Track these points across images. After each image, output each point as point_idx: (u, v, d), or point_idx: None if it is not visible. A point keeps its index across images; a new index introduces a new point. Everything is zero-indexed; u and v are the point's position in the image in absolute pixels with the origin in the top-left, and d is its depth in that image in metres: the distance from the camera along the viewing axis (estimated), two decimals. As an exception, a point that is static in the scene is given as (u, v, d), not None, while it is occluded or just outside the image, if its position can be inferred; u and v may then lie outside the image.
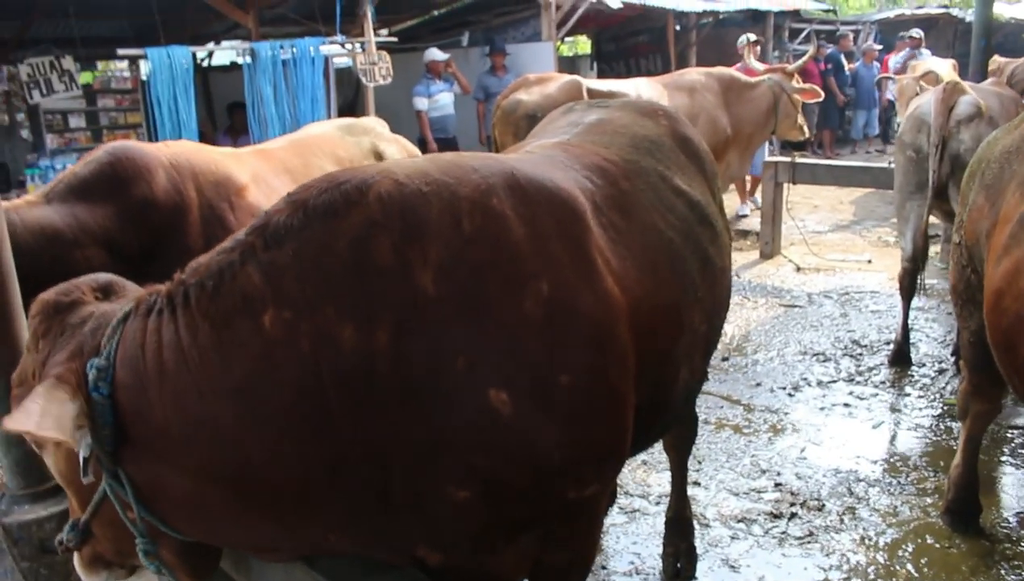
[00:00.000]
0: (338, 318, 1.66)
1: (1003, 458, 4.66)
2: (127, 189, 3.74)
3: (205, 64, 12.16)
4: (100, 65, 9.43)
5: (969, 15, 18.97)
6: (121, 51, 7.94)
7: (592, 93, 7.66)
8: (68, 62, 8.39)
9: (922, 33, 15.55)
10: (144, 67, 8.51)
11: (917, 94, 9.19)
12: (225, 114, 10.71)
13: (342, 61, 10.30)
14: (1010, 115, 5.35)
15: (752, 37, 10.94)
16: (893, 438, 5.01)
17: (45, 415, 1.55)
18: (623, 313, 1.98)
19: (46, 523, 2.29)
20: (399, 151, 4.93)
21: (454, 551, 1.90)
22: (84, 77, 8.76)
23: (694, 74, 8.38)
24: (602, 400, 1.90)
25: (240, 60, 9.06)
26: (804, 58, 8.82)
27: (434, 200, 1.79)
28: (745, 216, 10.71)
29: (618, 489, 4.28)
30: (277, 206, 1.79)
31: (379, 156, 4.75)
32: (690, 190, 2.65)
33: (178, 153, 4.05)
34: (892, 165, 8.37)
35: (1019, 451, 4.72)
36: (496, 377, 1.73)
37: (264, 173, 4.26)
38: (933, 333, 6.62)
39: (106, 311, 1.77)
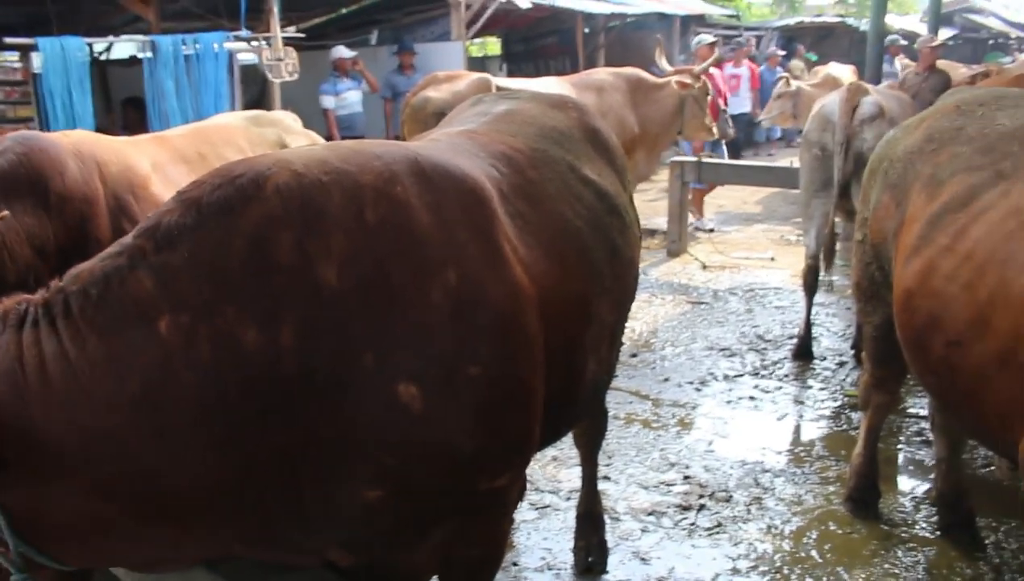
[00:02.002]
0: (239, 319, 1.59)
1: (899, 446, 4.83)
2: (43, 182, 3.57)
3: (103, 57, 11.69)
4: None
5: (864, 24, 19.77)
6: (9, 40, 7.55)
7: (501, 91, 7.64)
8: (-49, 52, 7.96)
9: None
10: (36, 59, 8.13)
11: (780, 96, 10.10)
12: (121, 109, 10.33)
13: (248, 58, 10.05)
14: (908, 116, 5.55)
15: (709, 38, 10.58)
16: (797, 429, 5.14)
17: None
18: (531, 302, 1.95)
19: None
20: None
21: (367, 551, 1.86)
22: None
23: (602, 73, 8.45)
24: (511, 391, 1.88)
25: (140, 54, 8.75)
26: (708, 62, 8.99)
27: (335, 190, 1.73)
28: (712, 230, 10.39)
29: (528, 485, 4.25)
30: (167, 206, 1.70)
31: (284, 148, 4.63)
32: (599, 180, 2.64)
33: (80, 142, 3.88)
34: (795, 165, 8.66)
35: (913, 439, 4.90)
36: (405, 371, 1.69)
37: (163, 162, 4.10)
38: (833, 327, 6.83)
39: None
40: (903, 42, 16.12)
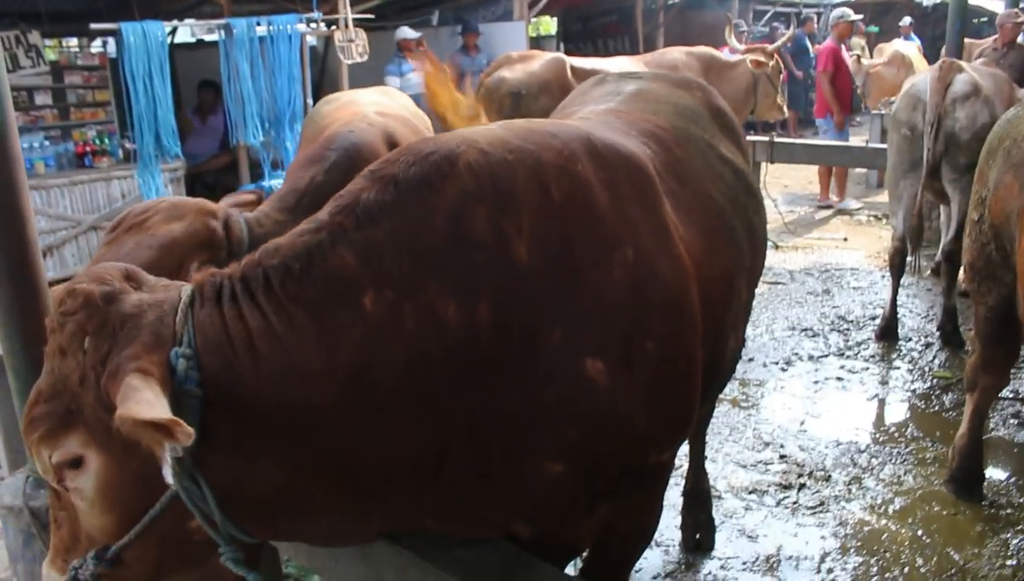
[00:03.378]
0: (441, 295, 1.61)
1: (998, 426, 4.76)
2: None
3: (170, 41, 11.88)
4: (66, 41, 9.12)
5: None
6: (94, 25, 7.68)
7: (576, 71, 7.63)
8: (35, 37, 8.10)
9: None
10: (113, 43, 8.27)
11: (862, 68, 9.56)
12: (192, 92, 10.47)
13: (310, 39, 10.13)
14: (1004, 95, 5.44)
15: (852, 14, 10.08)
16: (888, 410, 5.10)
17: (164, 405, 1.38)
18: (693, 279, 1.97)
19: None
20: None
21: (543, 523, 1.89)
22: (50, 53, 8.45)
23: (675, 53, 8.39)
24: (682, 366, 1.90)
25: (207, 37, 8.83)
26: (783, 39, 8.88)
27: (519, 168, 1.74)
28: (859, 209, 10.16)
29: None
30: (361, 184, 1.70)
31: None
32: (734, 159, 2.65)
33: (385, 127, 3.60)
34: (869, 145, 8.51)
35: (1010, 419, 4.83)
36: (591, 346, 1.71)
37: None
38: (917, 309, 6.74)
39: (159, 299, 1.56)
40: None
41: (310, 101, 9.54)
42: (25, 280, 2.43)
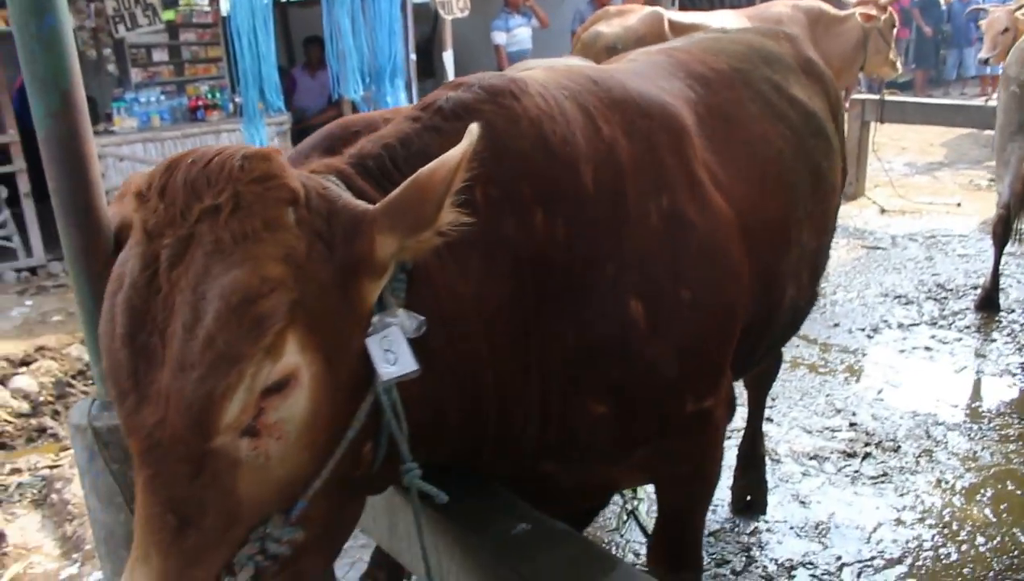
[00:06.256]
0: (532, 199, 1.63)
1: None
2: None
3: (284, -1, 12.23)
4: (182, 0, 9.53)
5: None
6: (206, -16, 8.03)
7: (674, 25, 7.45)
8: (151, -5, 8.53)
9: None
10: (224, 2, 8.59)
11: (1007, 30, 8.59)
12: (302, 48, 10.77)
13: (419, -4, 10.23)
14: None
15: None
16: (976, 383, 4.86)
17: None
18: (733, 228, 1.96)
19: (135, 429, 2.36)
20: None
21: (578, 464, 1.90)
22: (167, 15, 8.85)
23: (780, 6, 8.05)
24: (720, 315, 1.90)
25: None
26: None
27: (570, 104, 1.77)
28: None
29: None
30: (436, 93, 1.71)
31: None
32: (808, 101, 2.60)
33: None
34: (989, 103, 7.99)
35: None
36: (633, 286, 1.73)
37: None
38: (1023, 280, 6.36)
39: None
40: None
41: (412, 56, 9.68)
42: (89, 221, 2.63)
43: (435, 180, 1.28)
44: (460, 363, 1.53)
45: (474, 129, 1.31)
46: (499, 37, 10.35)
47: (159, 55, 9.00)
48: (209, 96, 8.97)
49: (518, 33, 10.52)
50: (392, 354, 1.30)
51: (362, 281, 1.31)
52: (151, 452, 1.19)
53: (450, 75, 9.86)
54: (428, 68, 11.68)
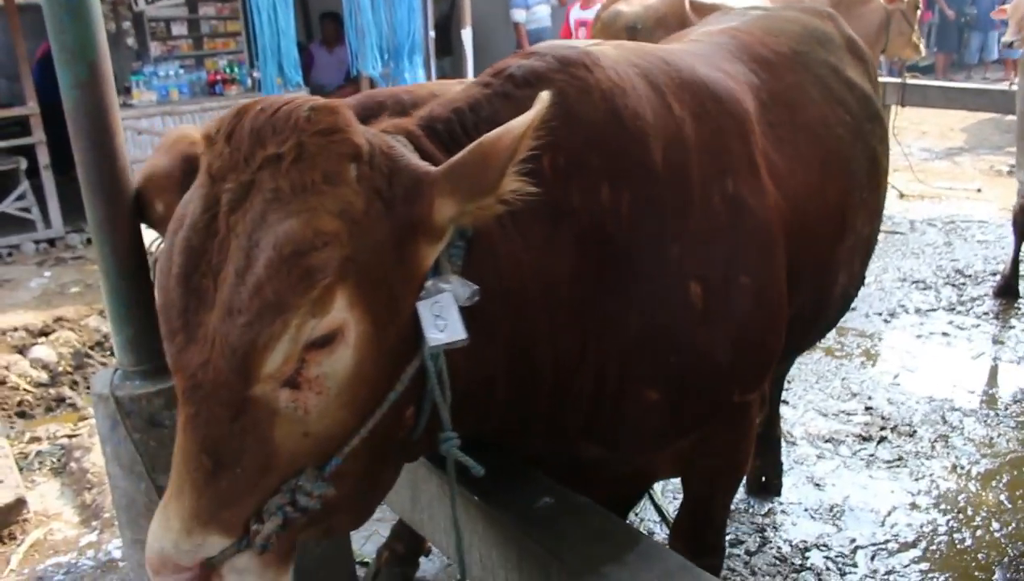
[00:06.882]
0: (599, 172, 1.61)
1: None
2: None
3: (302, -26, 12.18)
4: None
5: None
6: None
7: (695, 6, 7.39)
8: (171, -32, 8.53)
9: None
10: (243, -23, 8.60)
11: None
12: (319, 24, 10.75)
13: (438, -28, 10.20)
14: None
15: None
16: (993, 369, 4.84)
17: None
18: (780, 218, 1.94)
19: (155, 398, 2.39)
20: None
21: (623, 449, 1.87)
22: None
23: (803, -13, 7.98)
24: (772, 304, 1.88)
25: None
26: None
27: (641, 82, 1.75)
28: None
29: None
30: (507, 61, 1.68)
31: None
32: (863, 84, 2.58)
33: None
34: (1013, 87, 7.88)
35: None
36: (694, 270, 1.70)
37: None
38: (1044, 266, 6.31)
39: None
40: None
41: (431, 33, 9.64)
42: (113, 193, 2.65)
43: (500, 146, 1.27)
44: (516, 336, 1.52)
45: (544, 96, 1.30)
46: (518, 15, 10.31)
47: (178, 29, 9.00)
48: (228, 70, 8.97)
49: (537, 11, 10.47)
50: (442, 320, 1.29)
51: (419, 243, 1.31)
52: (194, 392, 1.21)
53: (468, 53, 9.83)
54: (446, 46, 11.64)
